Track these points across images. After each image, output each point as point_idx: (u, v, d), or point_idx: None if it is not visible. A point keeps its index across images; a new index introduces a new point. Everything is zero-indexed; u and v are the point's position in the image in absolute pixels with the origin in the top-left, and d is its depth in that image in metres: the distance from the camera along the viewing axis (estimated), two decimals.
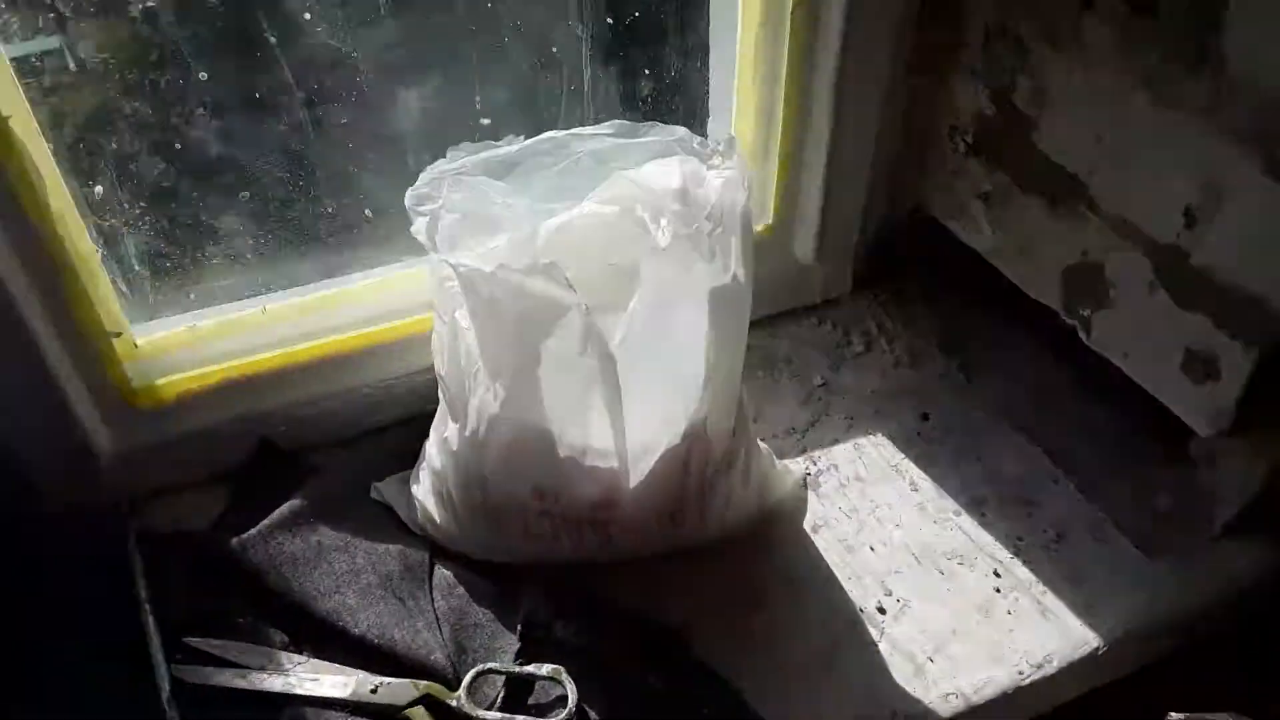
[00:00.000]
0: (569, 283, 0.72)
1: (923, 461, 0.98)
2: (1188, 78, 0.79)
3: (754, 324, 1.07)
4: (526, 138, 0.84)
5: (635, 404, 0.76)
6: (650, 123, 0.85)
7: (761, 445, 0.92)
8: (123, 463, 0.88)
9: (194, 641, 0.80)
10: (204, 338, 0.91)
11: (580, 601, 0.85)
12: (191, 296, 0.92)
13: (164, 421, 0.89)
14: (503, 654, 0.81)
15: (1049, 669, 0.82)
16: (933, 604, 0.87)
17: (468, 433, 0.80)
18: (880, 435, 1.01)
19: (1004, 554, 0.90)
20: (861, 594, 0.87)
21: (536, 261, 0.72)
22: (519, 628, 0.83)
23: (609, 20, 0.96)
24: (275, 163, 0.89)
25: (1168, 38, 0.80)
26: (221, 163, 0.88)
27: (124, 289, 0.87)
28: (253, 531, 0.85)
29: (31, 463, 0.84)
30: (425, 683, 0.78)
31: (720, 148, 0.83)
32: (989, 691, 0.80)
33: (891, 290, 1.16)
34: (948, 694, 0.80)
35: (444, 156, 0.82)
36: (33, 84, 0.77)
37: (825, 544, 0.91)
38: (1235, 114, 0.76)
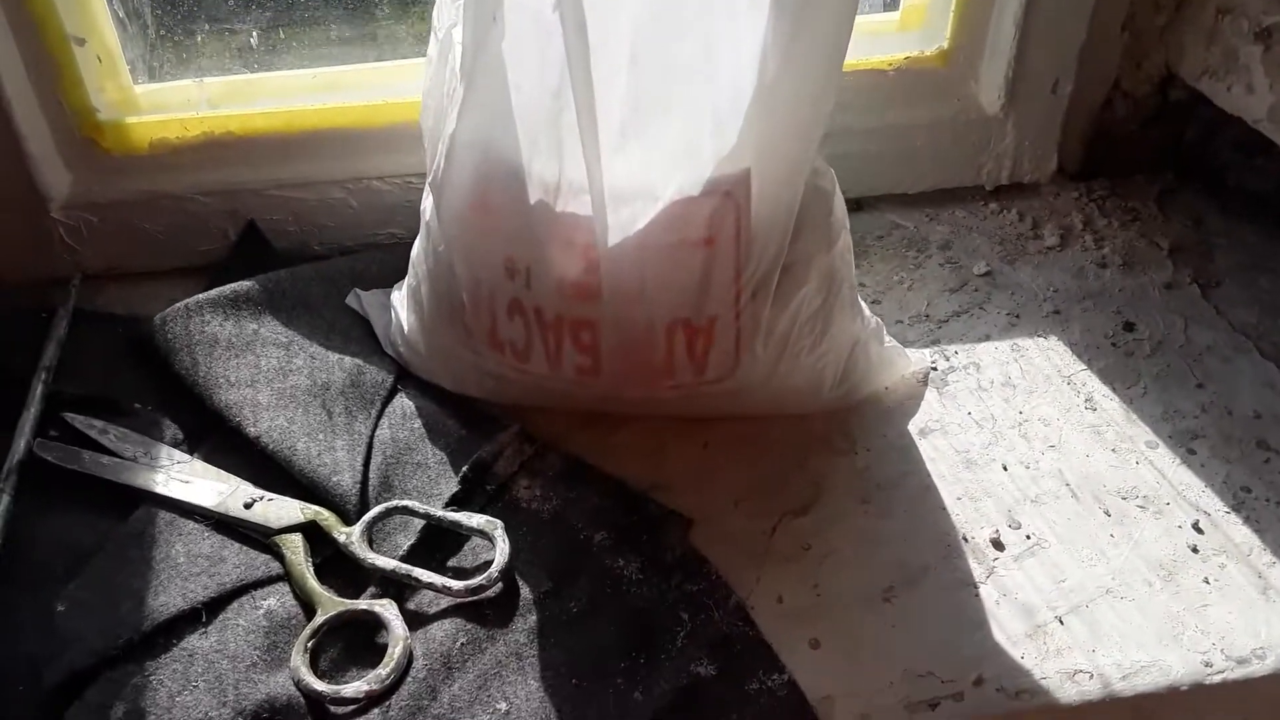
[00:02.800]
0: None
1: (1112, 377, 0.67)
2: None
3: (908, 200, 0.83)
4: None
5: (626, 103, 0.51)
6: None
7: (867, 311, 0.65)
8: (78, 220, 0.73)
9: (71, 418, 0.63)
10: (210, 99, 0.75)
11: (560, 459, 0.61)
12: (199, 42, 0.76)
13: (133, 175, 0.74)
14: (437, 501, 0.59)
15: (1256, 666, 0.49)
16: (1083, 550, 0.56)
17: (431, 177, 0.59)
18: (1055, 339, 0.71)
19: (1216, 504, 0.58)
20: (972, 519, 0.58)
21: None
22: (464, 470, 0.60)
23: None
24: None
25: None
26: None
27: (120, 15, 0.73)
28: (178, 305, 0.67)
29: None
30: (315, 509, 0.57)
31: None
32: (1148, 681, 0.49)
33: (1113, 184, 0.84)
34: (1076, 671, 0.50)
35: None
36: None
37: (934, 451, 0.62)
38: None
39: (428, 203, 0.62)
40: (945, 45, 0.78)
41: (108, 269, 0.76)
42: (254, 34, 0.77)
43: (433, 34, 0.60)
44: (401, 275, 0.71)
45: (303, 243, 0.78)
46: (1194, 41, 0.77)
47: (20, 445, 0.61)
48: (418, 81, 0.75)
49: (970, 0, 0.76)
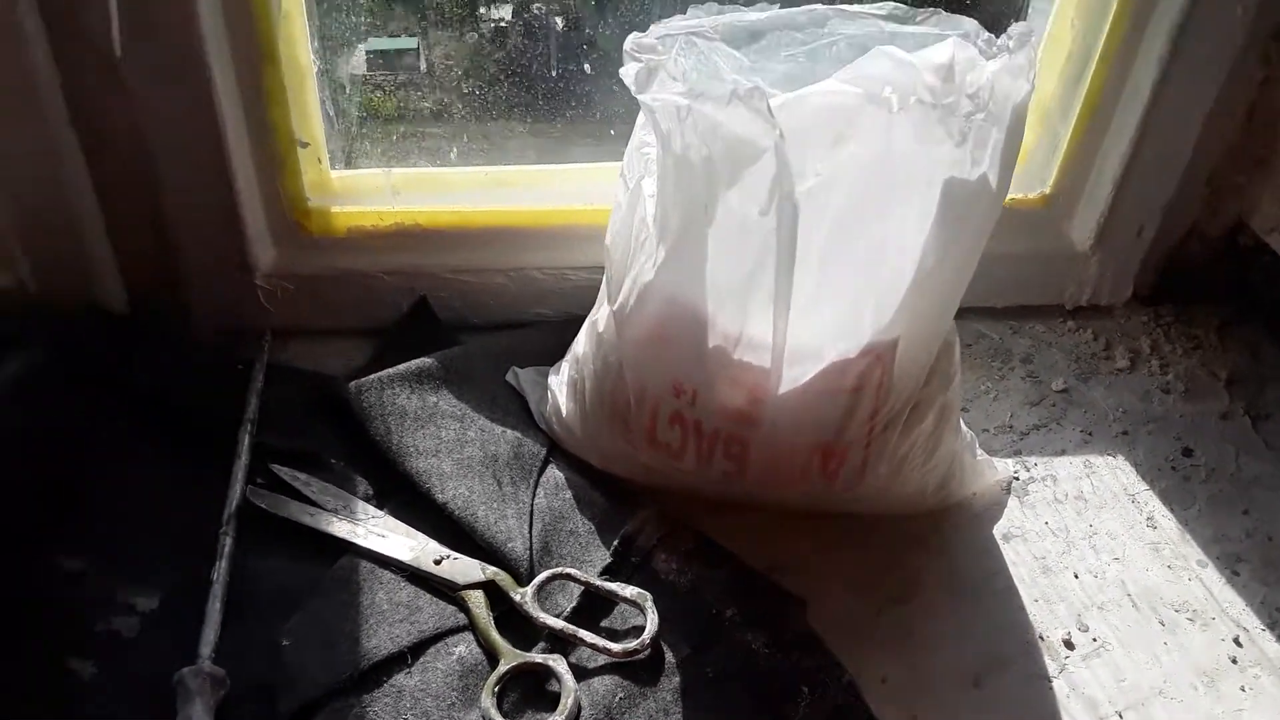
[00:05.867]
0: (770, 111, 0.58)
1: (1171, 499, 0.77)
2: None
3: (995, 313, 0.93)
4: (782, 5, 0.74)
5: (810, 290, 0.62)
6: (931, 10, 0.71)
7: (965, 429, 0.75)
8: (276, 285, 0.85)
9: (279, 469, 0.74)
10: (395, 187, 0.86)
11: (692, 536, 0.72)
12: (394, 138, 0.88)
13: (328, 254, 0.85)
14: (590, 567, 0.69)
15: None
16: (1140, 654, 0.66)
17: (616, 306, 0.69)
18: (1122, 459, 0.80)
19: (1254, 622, 0.68)
20: (1047, 620, 0.68)
21: (737, 85, 0.59)
22: (615, 544, 0.70)
23: None
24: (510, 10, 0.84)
25: None
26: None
27: (330, 113, 0.84)
28: (372, 377, 0.79)
29: (190, 259, 0.82)
30: (494, 570, 0.68)
31: (1010, 41, 0.67)
32: None
33: (1179, 310, 0.94)
34: None
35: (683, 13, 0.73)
36: None
37: (1016, 556, 0.72)
38: None
39: (604, 316, 0.72)
40: (1047, 190, 0.89)
41: (294, 326, 0.87)
42: (441, 133, 0.89)
43: (622, 181, 0.71)
44: (549, 353, 0.83)
45: (463, 317, 0.89)
46: (1269, 200, 0.86)
47: (236, 492, 0.73)
48: (578, 186, 0.87)
49: (1075, 154, 0.86)
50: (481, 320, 0.89)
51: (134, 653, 0.64)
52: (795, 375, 0.64)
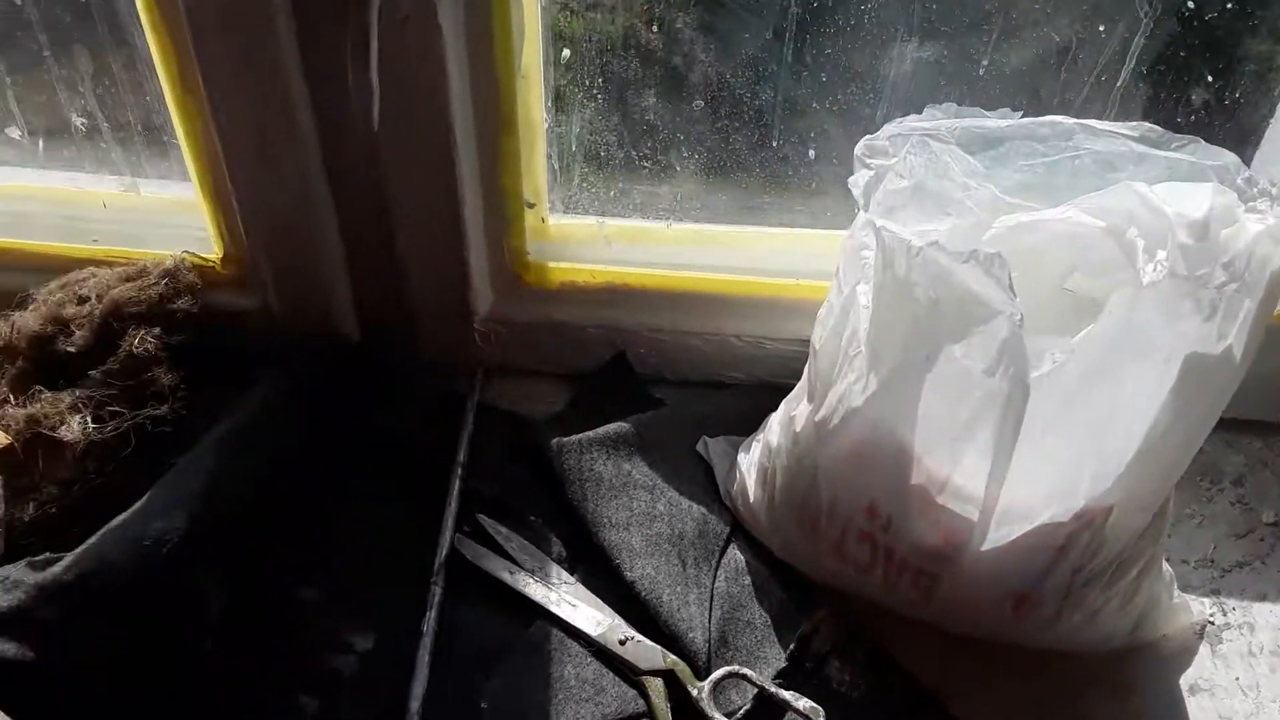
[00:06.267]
0: (1011, 284, 0.58)
1: None
2: None
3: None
4: (1024, 115, 0.72)
5: (1029, 456, 0.61)
6: (1188, 137, 0.68)
7: (1165, 567, 0.73)
8: (490, 329, 0.90)
9: (485, 520, 0.80)
10: (608, 237, 0.89)
11: (868, 651, 0.73)
12: (612, 192, 0.91)
13: (541, 304, 0.89)
14: (764, 665, 0.72)
15: None
16: None
17: (818, 417, 0.70)
18: None
19: None
20: None
21: (979, 249, 0.59)
22: (791, 647, 0.73)
23: (1187, 6, 0.78)
24: (739, 78, 0.84)
25: None
26: (688, 63, 0.84)
27: (555, 166, 0.88)
28: (573, 439, 0.83)
29: (417, 301, 0.88)
30: (674, 658, 0.72)
31: (1273, 190, 0.64)
32: None
33: None
34: None
35: (919, 113, 0.73)
36: None
37: (1200, 711, 0.71)
38: None
39: (803, 415, 0.73)
40: None
41: (502, 365, 0.93)
42: (656, 189, 0.91)
43: (835, 283, 0.71)
44: (741, 420, 0.85)
45: (657, 372, 0.92)
46: None
47: (446, 539, 0.79)
48: (786, 251, 0.87)
49: None
50: (675, 377, 0.92)
51: (350, 694, 0.70)
52: (1001, 535, 0.64)
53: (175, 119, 0.79)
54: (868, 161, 0.71)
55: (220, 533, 0.72)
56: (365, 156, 0.78)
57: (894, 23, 0.80)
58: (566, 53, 0.83)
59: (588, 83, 0.85)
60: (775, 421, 0.78)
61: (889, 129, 0.72)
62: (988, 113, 0.72)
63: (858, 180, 0.70)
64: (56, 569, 0.65)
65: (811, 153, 0.85)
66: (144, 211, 0.91)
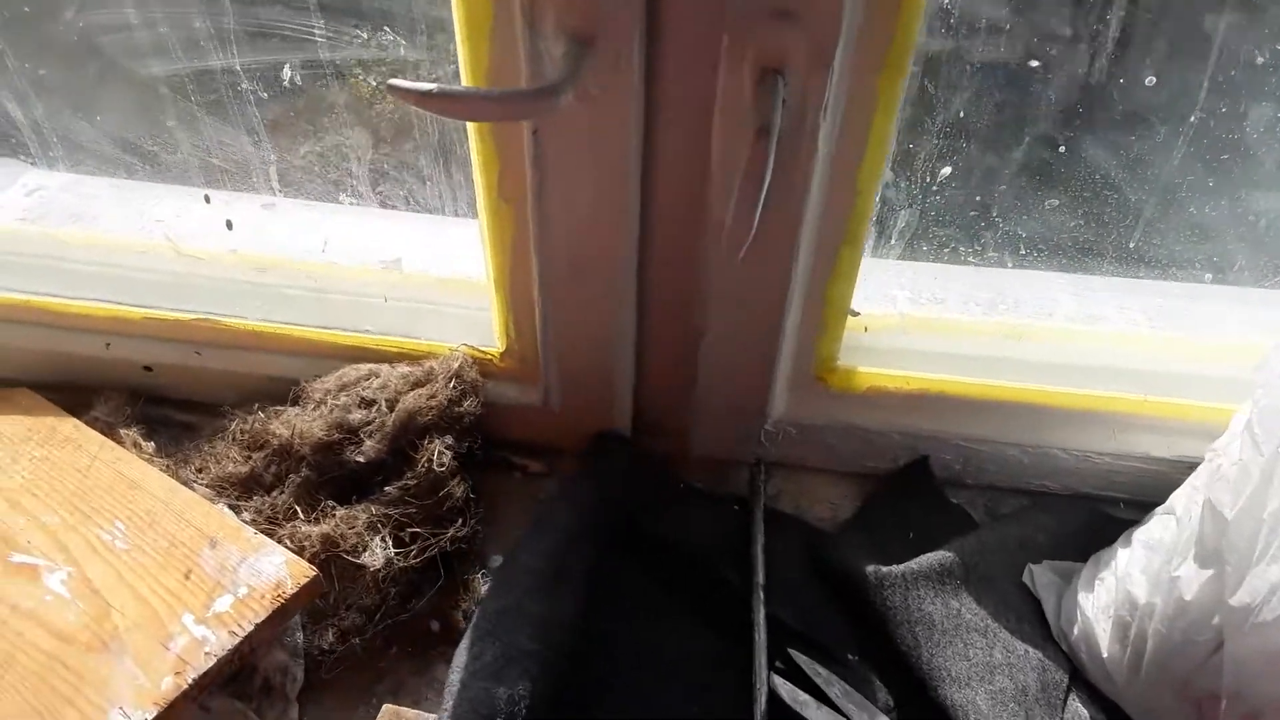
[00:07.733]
0: None
1: None
2: None
3: None
4: None
5: None
6: None
7: None
8: (781, 430, 0.83)
9: (799, 659, 0.74)
10: (905, 326, 0.82)
11: None
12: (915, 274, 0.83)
13: (842, 407, 0.82)
14: None
15: None
16: None
17: (1236, 601, 0.61)
18: None
19: None
20: None
21: None
22: None
23: None
24: (1115, 176, 0.75)
25: None
26: (1043, 148, 0.76)
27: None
28: (895, 571, 0.76)
29: (707, 400, 0.81)
30: None
31: None
32: None
33: None
34: None
35: None
36: None
37: None
38: None
39: (1193, 578, 0.65)
40: None
41: (781, 461, 0.86)
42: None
43: (1249, 437, 0.63)
44: (1066, 540, 0.78)
45: (960, 477, 0.85)
46: None
47: (762, 680, 0.73)
48: (1108, 350, 0.79)
49: None
50: (976, 482, 0.85)
51: None
52: None
53: (484, 221, 0.71)
54: None
55: (556, 686, 0.67)
56: (686, 265, 0.70)
57: None
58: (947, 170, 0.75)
59: (922, 185, 0.77)
60: (1137, 570, 0.71)
61: None
62: None
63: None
64: None
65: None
66: (411, 288, 0.85)
